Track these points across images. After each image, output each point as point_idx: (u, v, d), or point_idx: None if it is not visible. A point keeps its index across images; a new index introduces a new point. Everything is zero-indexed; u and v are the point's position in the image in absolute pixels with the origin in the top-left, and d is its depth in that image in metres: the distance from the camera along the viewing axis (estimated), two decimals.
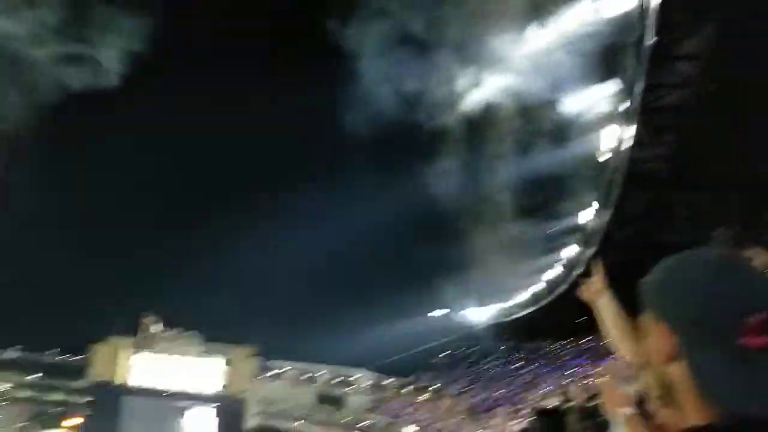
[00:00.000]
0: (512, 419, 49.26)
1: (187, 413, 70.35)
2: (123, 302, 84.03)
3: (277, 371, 76.40)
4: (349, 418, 68.59)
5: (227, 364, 71.90)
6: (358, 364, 74.41)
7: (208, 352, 73.26)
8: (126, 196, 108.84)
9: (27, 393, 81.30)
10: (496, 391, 58.48)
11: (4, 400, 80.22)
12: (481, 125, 60.79)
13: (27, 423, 75.85)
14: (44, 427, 74.24)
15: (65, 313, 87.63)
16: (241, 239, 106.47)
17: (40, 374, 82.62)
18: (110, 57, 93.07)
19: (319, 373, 75.30)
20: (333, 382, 74.05)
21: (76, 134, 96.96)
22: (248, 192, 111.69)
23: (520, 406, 52.11)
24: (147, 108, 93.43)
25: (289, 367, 76.43)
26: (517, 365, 61.91)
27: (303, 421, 71.66)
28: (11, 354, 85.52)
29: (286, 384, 75.34)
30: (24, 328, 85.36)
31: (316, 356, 76.72)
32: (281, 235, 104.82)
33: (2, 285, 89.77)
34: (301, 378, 75.71)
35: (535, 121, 53.61)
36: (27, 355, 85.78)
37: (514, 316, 64.00)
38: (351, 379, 73.41)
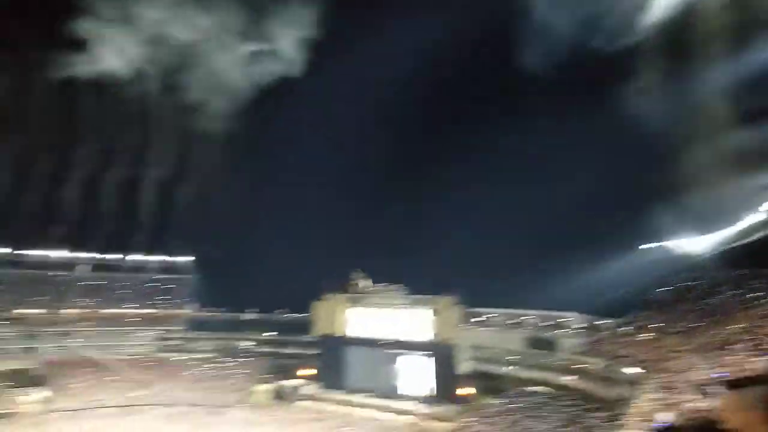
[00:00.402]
0: (753, 355, 43.47)
1: (401, 360, 74.34)
2: (337, 263, 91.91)
3: (484, 318, 77.05)
4: (563, 362, 66.52)
5: (435, 314, 74.06)
6: (569, 307, 71.71)
7: (416, 304, 76.27)
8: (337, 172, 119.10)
9: (266, 348, 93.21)
10: (729, 325, 51.95)
11: (249, 356, 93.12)
12: (682, 29, 53.86)
13: (271, 374, 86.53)
14: (284, 377, 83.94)
15: (291, 278, 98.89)
16: (445, 194, 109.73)
17: (276, 332, 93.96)
18: (290, 47, 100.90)
19: (527, 318, 74.20)
20: (543, 325, 72.41)
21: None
22: (455, 149, 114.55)
23: (760, 341, 45.84)
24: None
25: (497, 314, 76.54)
26: (753, 295, 54.17)
27: (513, 366, 71.40)
28: (251, 315, 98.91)
29: (495, 330, 75.63)
30: (259, 293, 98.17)
31: (525, 303, 76.00)
32: (483, 187, 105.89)
33: (240, 259, 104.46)
34: (509, 323, 75.29)
35: (749, 11, 45.87)
36: (263, 316, 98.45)
37: (744, 241, 56.10)
38: (562, 321, 71.01)
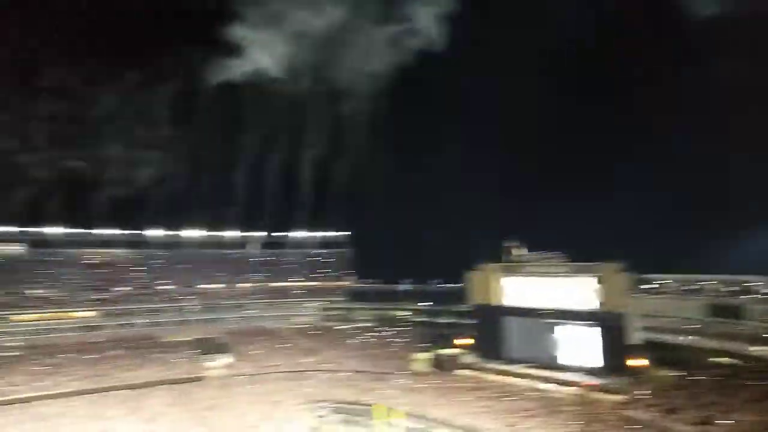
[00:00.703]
0: None
1: (561, 329, 70.56)
2: (492, 232, 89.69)
3: (656, 285, 70.13)
4: (751, 330, 58.28)
5: (599, 281, 69.02)
6: (758, 271, 62.49)
7: (578, 272, 71.61)
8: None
9: (422, 318, 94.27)
10: None
11: (406, 325, 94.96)
12: None
13: (428, 343, 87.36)
14: (440, 347, 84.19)
15: (444, 249, 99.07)
16: (611, 156, 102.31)
17: (431, 302, 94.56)
18: (430, 23, 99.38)
19: (707, 283, 66.06)
20: (726, 291, 63.91)
21: None
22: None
23: None
24: None
25: (670, 280, 69.21)
26: None
27: (692, 336, 64.13)
28: (406, 286, 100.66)
29: (669, 297, 68.54)
30: (414, 264, 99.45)
31: (704, 267, 67.67)
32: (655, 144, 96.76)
33: (394, 232, 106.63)
34: (685, 289, 67.64)
35: None
36: (418, 286, 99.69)
37: None
38: (750, 286, 62.04)
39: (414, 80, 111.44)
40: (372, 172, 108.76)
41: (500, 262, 79.53)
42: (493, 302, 78.21)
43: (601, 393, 63.12)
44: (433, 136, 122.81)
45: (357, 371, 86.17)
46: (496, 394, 69.20)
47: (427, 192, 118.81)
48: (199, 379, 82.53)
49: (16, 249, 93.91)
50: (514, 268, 77.94)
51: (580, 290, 70.31)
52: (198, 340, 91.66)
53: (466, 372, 76.99)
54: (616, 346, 65.06)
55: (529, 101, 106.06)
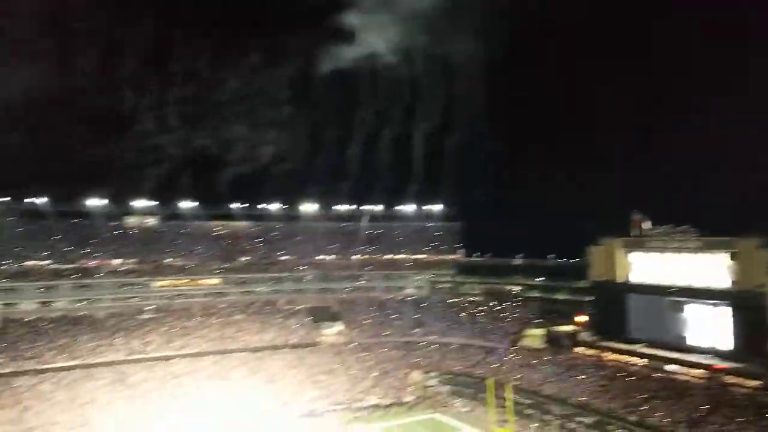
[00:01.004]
0: None
1: (690, 308, 64.61)
2: (614, 205, 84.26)
3: None
4: None
5: (732, 258, 62.19)
6: None
7: (710, 247, 64.96)
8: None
9: (535, 293, 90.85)
10: None
11: (518, 300, 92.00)
12: None
13: (540, 320, 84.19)
14: (555, 324, 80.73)
15: (560, 223, 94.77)
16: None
17: (545, 277, 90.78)
18: None
19: None
20: None
21: None
22: None
23: None
24: None
25: None
26: None
27: None
28: (519, 261, 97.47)
29: None
30: (527, 238, 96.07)
31: None
32: None
33: (506, 205, 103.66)
34: None
35: None
36: (532, 261, 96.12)
37: None
38: None
39: (526, 50, 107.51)
40: (483, 145, 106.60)
41: (625, 236, 74.30)
42: (617, 278, 73.39)
43: (733, 377, 57.45)
44: (546, 108, 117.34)
45: (466, 344, 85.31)
46: (616, 374, 65.33)
47: (543, 165, 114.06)
48: (314, 344, 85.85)
49: (152, 222, 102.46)
50: (641, 242, 72.40)
51: (712, 267, 63.84)
52: (313, 308, 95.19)
53: (583, 350, 73.26)
54: (751, 328, 58.43)
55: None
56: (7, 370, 67.44)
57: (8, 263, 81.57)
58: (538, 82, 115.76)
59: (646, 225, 73.42)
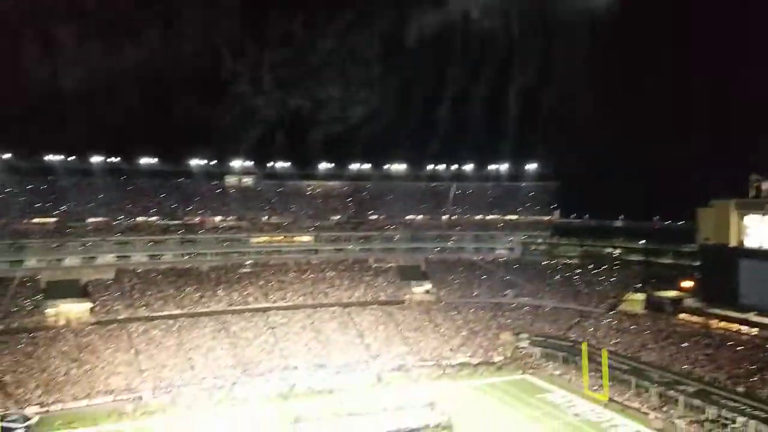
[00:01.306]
0: None
1: None
2: (727, 166, 77.23)
3: None
4: None
5: None
6: None
7: None
8: None
9: (636, 257, 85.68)
10: None
11: (617, 263, 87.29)
12: None
13: (640, 284, 79.56)
14: (657, 289, 76.01)
15: (666, 182, 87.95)
16: None
17: (646, 240, 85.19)
18: None
19: None
20: None
21: None
22: None
23: None
24: None
25: None
26: None
27: None
28: (619, 223, 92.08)
29: None
30: (630, 200, 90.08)
31: None
32: None
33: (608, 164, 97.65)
34: None
35: None
36: (632, 223, 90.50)
37: None
38: None
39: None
40: (583, 103, 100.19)
41: (741, 197, 67.97)
42: (729, 243, 67.55)
43: None
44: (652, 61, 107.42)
45: (560, 307, 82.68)
46: (723, 342, 60.73)
47: (643, 122, 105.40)
48: (401, 302, 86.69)
49: (250, 181, 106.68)
50: (760, 204, 65.89)
51: None
52: (401, 267, 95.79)
53: (687, 317, 68.57)
54: None
55: None
56: (121, 317, 73.52)
57: (120, 219, 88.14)
58: (645, 36, 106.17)
59: (766, 186, 66.77)
